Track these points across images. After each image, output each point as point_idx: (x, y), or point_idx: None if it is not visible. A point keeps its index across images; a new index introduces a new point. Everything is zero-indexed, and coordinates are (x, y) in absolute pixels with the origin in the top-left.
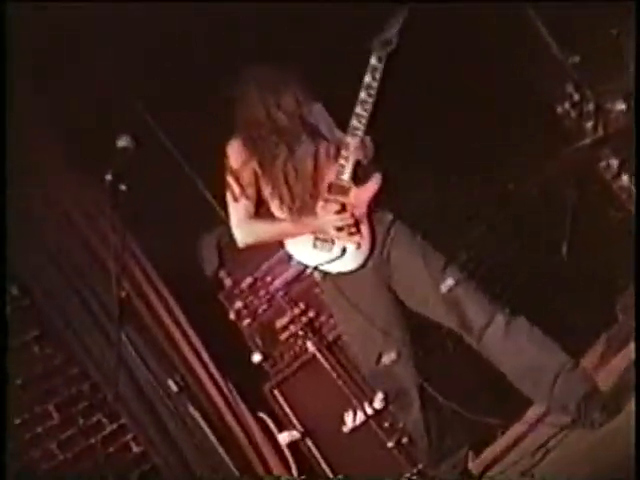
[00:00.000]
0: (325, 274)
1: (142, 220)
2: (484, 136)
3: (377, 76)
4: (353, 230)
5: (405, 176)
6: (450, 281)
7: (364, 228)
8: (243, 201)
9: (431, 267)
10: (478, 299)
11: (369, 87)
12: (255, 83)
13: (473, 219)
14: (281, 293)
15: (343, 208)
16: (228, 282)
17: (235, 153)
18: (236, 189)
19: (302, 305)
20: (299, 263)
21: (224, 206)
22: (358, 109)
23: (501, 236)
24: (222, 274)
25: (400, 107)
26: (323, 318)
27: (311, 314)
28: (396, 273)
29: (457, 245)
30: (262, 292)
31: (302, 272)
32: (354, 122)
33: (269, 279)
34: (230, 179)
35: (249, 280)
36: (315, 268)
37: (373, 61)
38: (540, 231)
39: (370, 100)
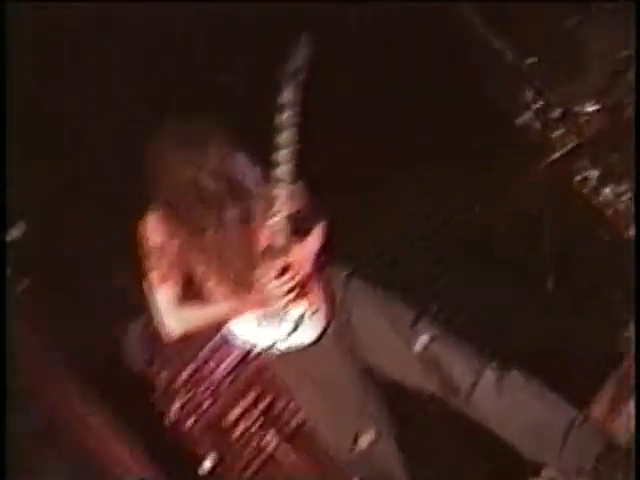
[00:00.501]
0: (280, 352)
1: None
2: (437, 161)
3: (292, 112)
4: (304, 292)
5: (353, 219)
6: (424, 338)
7: (316, 289)
8: (170, 284)
9: (400, 324)
10: (460, 354)
11: (286, 127)
12: (172, 142)
13: (440, 260)
14: (227, 381)
15: (285, 270)
16: (162, 378)
17: (155, 229)
18: (160, 271)
19: (254, 392)
20: (245, 343)
21: (146, 292)
22: (278, 155)
23: (474, 276)
24: (153, 369)
25: (332, 139)
26: (281, 403)
27: (267, 400)
28: (361, 336)
29: (426, 294)
30: (205, 384)
31: (249, 352)
32: (277, 171)
33: (211, 366)
34: (151, 259)
35: (187, 372)
36: (268, 348)
37: (286, 94)
38: (518, 264)
39: (289, 142)
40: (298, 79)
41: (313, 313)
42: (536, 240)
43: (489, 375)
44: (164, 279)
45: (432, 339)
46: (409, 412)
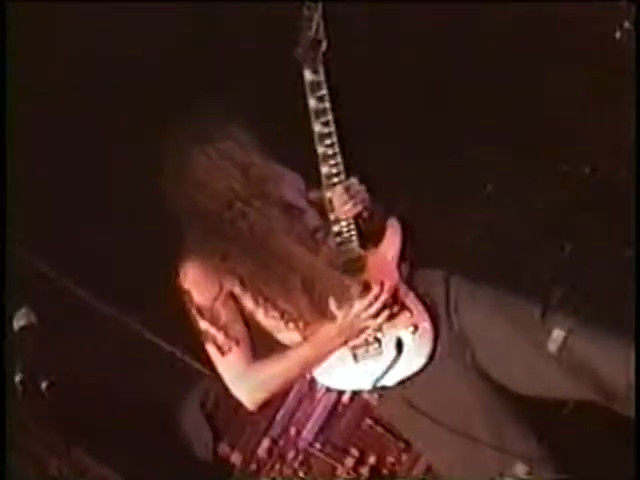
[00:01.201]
0: (382, 391)
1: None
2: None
3: (322, 93)
4: (396, 310)
5: (427, 210)
6: (558, 333)
7: (409, 302)
8: (235, 350)
9: (524, 322)
10: (609, 344)
11: (320, 113)
12: (196, 138)
13: (548, 234)
14: (318, 445)
15: (366, 287)
16: (236, 458)
17: (197, 279)
18: (219, 337)
19: (355, 451)
20: (335, 389)
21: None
22: (321, 148)
23: (593, 242)
24: (223, 449)
25: (376, 116)
26: (391, 458)
27: (372, 460)
28: (481, 349)
29: (545, 278)
30: (291, 454)
31: (338, 402)
32: (325, 169)
33: (293, 432)
34: (203, 323)
35: (266, 444)
36: (368, 390)
37: (308, 75)
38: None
39: (329, 129)
40: (317, 52)
41: (414, 332)
42: None
43: None
44: (225, 349)
45: (569, 333)
46: (561, 432)
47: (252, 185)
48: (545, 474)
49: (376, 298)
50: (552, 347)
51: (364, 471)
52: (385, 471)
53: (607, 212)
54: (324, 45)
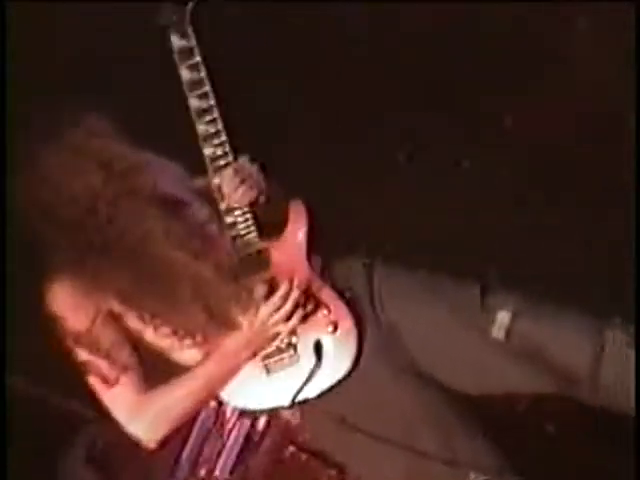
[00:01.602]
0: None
1: None
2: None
3: (195, 61)
4: (310, 308)
5: (336, 187)
6: (503, 315)
7: (325, 296)
8: (123, 379)
9: (463, 308)
10: (562, 324)
11: (195, 85)
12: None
13: (475, 211)
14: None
15: (272, 285)
16: None
17: (69, 302)
18: (103, 366)
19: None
20: (249, 411)
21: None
22: (201, 126)
23: (527, 215)
24: None
25: (265, 84)
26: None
27: None
28: (415, 345)
29: (481, 255)
30: None
31: (252, 430)
32: (208, 150)
33: (203, 473)
34: (83, 353)
35: None
36: (288, 406)
37: (176, 40)
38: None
39: (208, 103)
40: (185, 10)
41: (334, 332)
42: None
43: (614, 338)
44: (112, 380)
45: (515, 314)
46: (518, 433)
47: (116, 182)
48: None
49: (285, 297)
50: (498, 333)
51: None
52: None
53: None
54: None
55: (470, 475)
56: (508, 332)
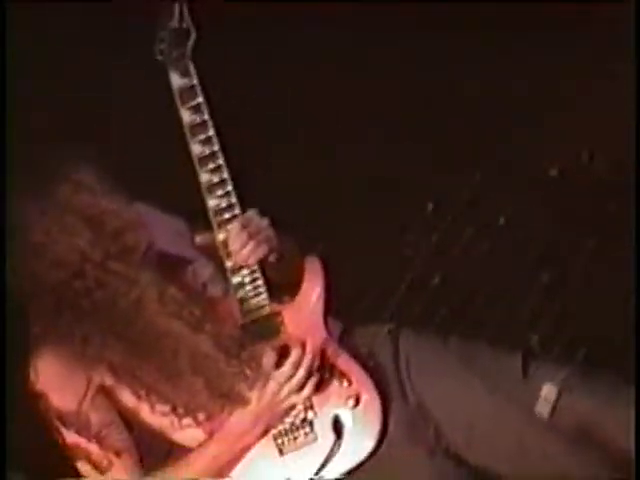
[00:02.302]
0: None
1: None
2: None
3: (197, 102)
4: (327, 377)
5: (355, 242)
6: (549, 389)
7: (344, 365)
8: (117, 464)
9: (502, 381)
10: (610, 397)
11: (197, 129)
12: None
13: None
14: None
15: (284, 352)
16: None
17: (54, 378)
18: (93, 450)
19: None
20: None
21: None
22: (205, 175)
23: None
24: None
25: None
26: None
27: None
28: (447, 423)
29: (520, 319)
30: None
31: None
32: (212, 202)
33: None
34: (70, 436)
35: None
36: None
37: (176, 79)
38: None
39: (211, 149)
40: (186, 47)
41: (355, 406)
42: None
43: None
44: (104, 466)
45: (561, 387)
46: None
47: (107, 242)
48: None
49: (297, 364)
50: (542, 409)
51: None
52: None
53: (595, 227)
54: (193, 36)
55: None
56: (554, 408)
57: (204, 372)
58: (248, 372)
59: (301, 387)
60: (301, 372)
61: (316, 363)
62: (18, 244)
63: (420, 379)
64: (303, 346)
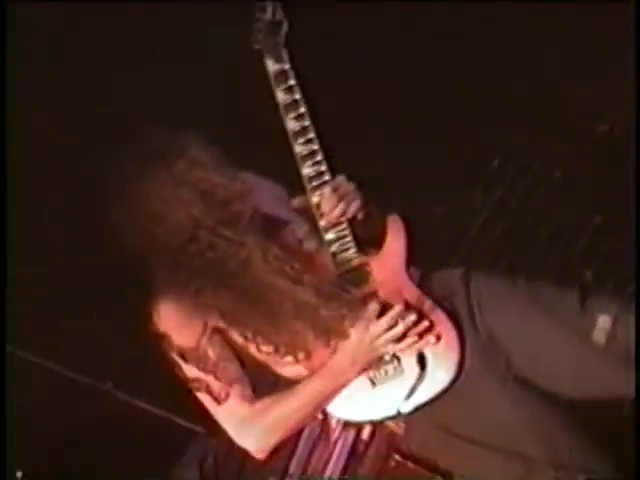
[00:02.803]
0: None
1: None
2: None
3: (290, 83)
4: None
5: (428, 199)
6: (604, 320)
7: (427, 309)
8: (232, 394)
9: (562, 313)
10: None
11: (291, 107)
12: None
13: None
14: None
15: (384, 306)
16: None
17: (175, 319)
18: (212, 382)
19: None
20: (354, 423)
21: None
22: (298, 147)
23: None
24: None
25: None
26: None
27: None
28: (517, 353)
29: (574, 258)
30: None
31: (357, 440)
32: (305, 170)
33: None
34: (191, 370)
35: None
36: (394, 417)
37: (271, 65)
38: None
39: (303, 124)
40: (279, 36)
41: (437, 344)
42: None
43: None
44: (222, 396)
45: (617, 318)
46: (623, 436)
47: (217, 211)
48: None
49: (398, 318)
50: (599, 337)
51: None
52: None
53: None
54: (285, 27)
55: (579, 478)
56: (609, 336)
57: (305, 318)
58: (347, 312)
59: (400, 339)
60: (400, 327)
61: (413, 318)
62: (139, 210)
63: (490, 315)
64: (405, 302)
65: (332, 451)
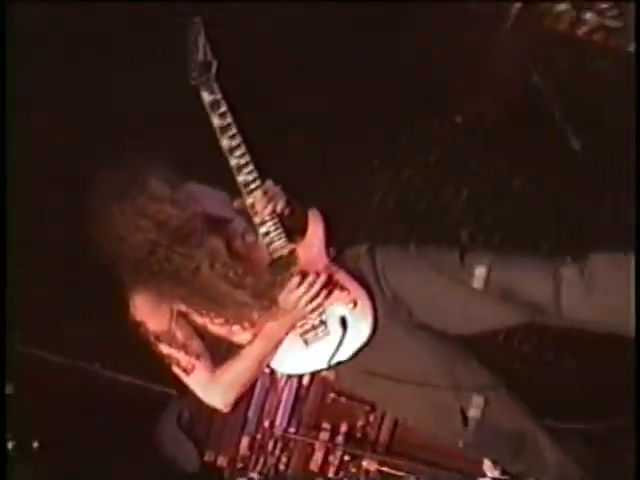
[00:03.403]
0: (338, 367)
1: None
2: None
3: (223, 110)
4: (332, 289)
5: (339, 190)
6: (480, 269)
7: (343, 280)
8: (198, 365)
9: (447, 267)
10: (527, 268)
11: (224, 129)
12: (114, 196)
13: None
14: (293, 429)
15: (303, 276)
16: (222, 461)
17: (148, 309)
18: (182, 358)
19: (327, 425)
20: (295, 374)
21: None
22: (234, 160)
23: (488, 181)
24: (209, 456)
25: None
26: (361, 422)
27: (344, 428)
28: (416, 305)
29: (455, 221)
30: (270, 444)
31: (300, 387)
32: (241, 178)
33: (267, 424)
34: (164, 348)
35: (245, 442)
36: (326, 367)
37: (206, 96)
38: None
39: (236, 142)
40: (210, 73)
41: (354, 307)
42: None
43: (568, 273)
44: (190, 368)
45: (490, 267)
46: (503, 357)
47: (171, 234)
48: (501, 400)
49: (312, 282)
50: (478, 283)
51: (340, 440)
52: (358, 434)
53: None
54: (214, 66)
55: (473, 396)
56: (485, 282)
57: (245, 301)
58: (279, 290)
59: (316, 296)
60: (316, 286)
61: (325, 281)
62: (108, 231)
63: (393, 279)
64: (316, 271)
65: (280, 397)
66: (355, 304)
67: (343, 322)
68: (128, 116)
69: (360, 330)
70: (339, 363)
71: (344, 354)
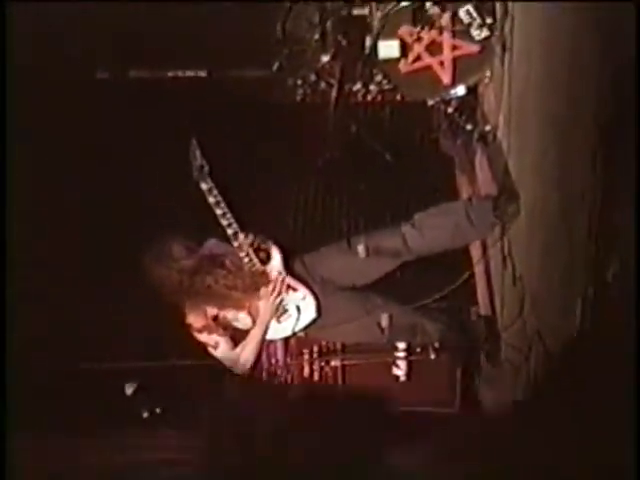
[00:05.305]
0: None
1: None
2: None
3: (215, 193)
4: (287, 290)
5: (282, 230)
6: (360, 246)
7: (296, 284)
8: (221, 345)
9: (341, 250)
10: (385, 233)
11: (216, 204)
12: (156, 260)
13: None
14: (289, 359)
15: (272, 284)
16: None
17: (195, 315)
18: (210, 340)
19: (307, 350)
20: (279, 338)
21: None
22: (224, 220)
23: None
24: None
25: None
26: (324, 344)
27: (316, 348)
28: (333, 277)
29: (342, 220)
30: (280, 367)
31: (286, 341)
32: (228, 231)
33: (274, 361)
34: (202, 337)
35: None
36: (294, 334)
37: (203, 185)
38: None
39: (221, 205)
40: (204, 173)
41: (304, 299)
42: None
43: (406, 228)
44: (216, 343)
45: (365, 243)
46: (395, 286)
47: (189, 275)
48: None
49: (275, 287)
50: (361, 254)
51: (315, 355)
52: (324, 350)
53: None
54: (207, 168)
55: (381, 314)
56: (366, 252)
57: (244, 296)
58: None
59: (279, 294)
60: (277, 290)
61: (282, 285)
62: (152, 273)
63: (317, 270)
64: (278, 279)
65: (276, 349)
66: (304, 297)
67: (298, 309)
68: (152, 206)
69: (309, 312)
70: (301, 330)
71: (300, 326)
